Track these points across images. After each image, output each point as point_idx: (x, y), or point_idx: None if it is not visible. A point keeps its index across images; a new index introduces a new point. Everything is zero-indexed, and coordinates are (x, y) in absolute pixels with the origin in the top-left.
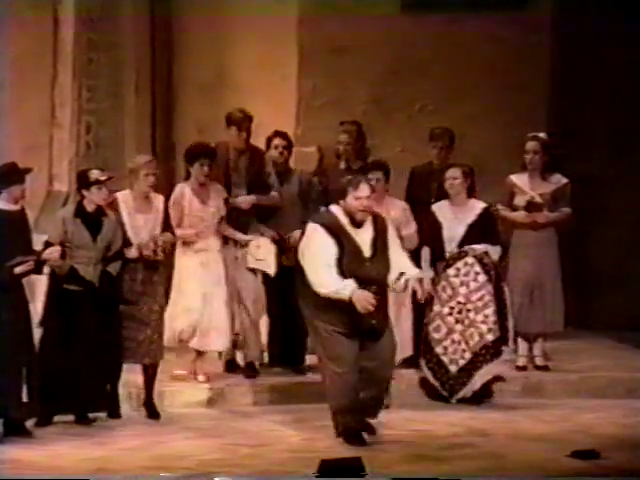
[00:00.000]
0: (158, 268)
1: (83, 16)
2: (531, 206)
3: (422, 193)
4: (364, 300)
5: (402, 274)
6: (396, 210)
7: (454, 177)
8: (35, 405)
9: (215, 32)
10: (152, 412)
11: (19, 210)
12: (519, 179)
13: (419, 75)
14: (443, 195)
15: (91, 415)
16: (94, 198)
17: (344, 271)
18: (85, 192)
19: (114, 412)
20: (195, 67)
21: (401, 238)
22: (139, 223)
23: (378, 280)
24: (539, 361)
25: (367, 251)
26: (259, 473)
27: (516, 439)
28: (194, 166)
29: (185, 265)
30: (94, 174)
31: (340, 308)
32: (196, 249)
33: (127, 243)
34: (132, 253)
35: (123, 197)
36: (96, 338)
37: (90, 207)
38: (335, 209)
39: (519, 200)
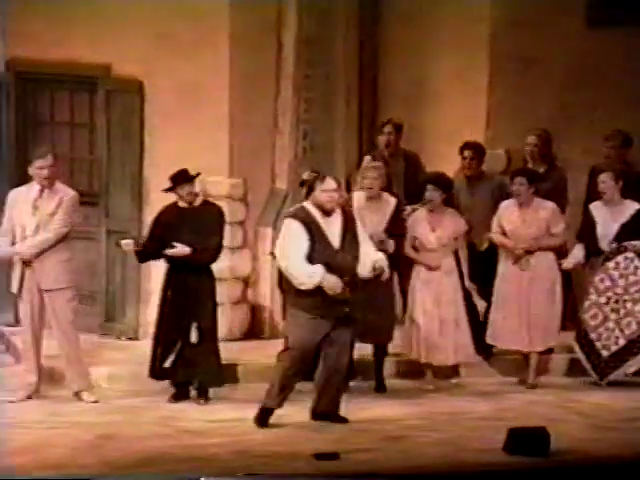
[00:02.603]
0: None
1: (302, 38)
2: None
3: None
4: (333, 284)
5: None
6: (546, 211)
7: (602, 181)
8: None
9: (415, 47)
10: (380, 385)
11: (192, 207)
12: None
13: (601, 83)
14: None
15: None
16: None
17: (316, 261)
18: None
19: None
20: (397, 79)
21: (552, 236)
22: (364, 223)
23: (348, 270)
24: None
25: (336, 242)
26: (455, 438)
27: None
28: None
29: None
30: (303, 175)
31: (317, 297)
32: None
33: None
34: None
35: (357, 196)
36: None
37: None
38: (306, 204)
39: None
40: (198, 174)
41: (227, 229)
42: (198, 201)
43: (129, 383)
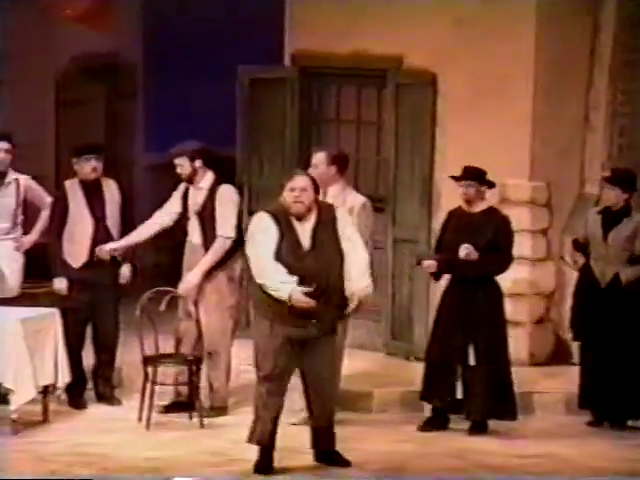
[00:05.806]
0: None
1: (623, 19)
2: None
3: None
4: (301, 301)
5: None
6: None
7: None
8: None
9: None
10: None
11: (472, 213)
12: None
13: None
14: None
15: None
16: (603, 195)
17: (283, 259)
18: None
19: None
20: None
21: None
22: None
23: (319, 276)
24: None
25: (306, 243)
26: None
27: None
28: None
29: None
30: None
31: (283, 304)
32: None
33: None
34: None
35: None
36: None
37: (614, 206)
38: (283, 199)
39: None
40: (492, 184)
41: (528, 238)
42: (481, 206)
43: (417, 407)
